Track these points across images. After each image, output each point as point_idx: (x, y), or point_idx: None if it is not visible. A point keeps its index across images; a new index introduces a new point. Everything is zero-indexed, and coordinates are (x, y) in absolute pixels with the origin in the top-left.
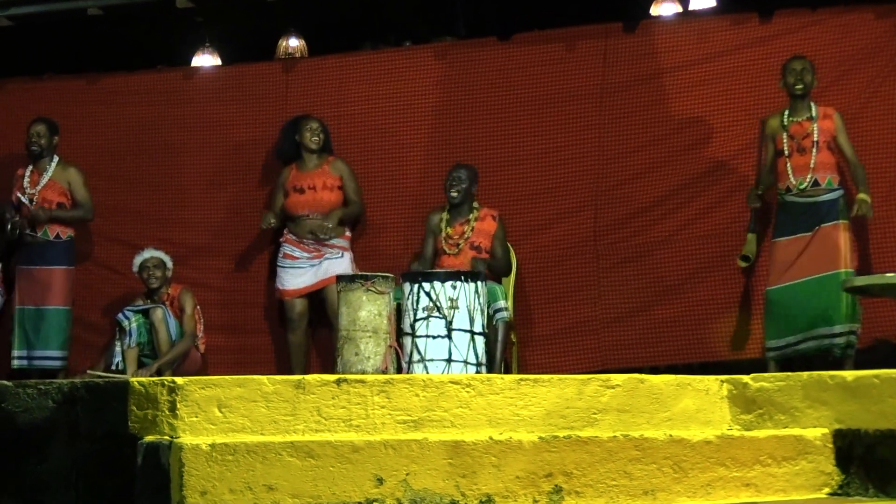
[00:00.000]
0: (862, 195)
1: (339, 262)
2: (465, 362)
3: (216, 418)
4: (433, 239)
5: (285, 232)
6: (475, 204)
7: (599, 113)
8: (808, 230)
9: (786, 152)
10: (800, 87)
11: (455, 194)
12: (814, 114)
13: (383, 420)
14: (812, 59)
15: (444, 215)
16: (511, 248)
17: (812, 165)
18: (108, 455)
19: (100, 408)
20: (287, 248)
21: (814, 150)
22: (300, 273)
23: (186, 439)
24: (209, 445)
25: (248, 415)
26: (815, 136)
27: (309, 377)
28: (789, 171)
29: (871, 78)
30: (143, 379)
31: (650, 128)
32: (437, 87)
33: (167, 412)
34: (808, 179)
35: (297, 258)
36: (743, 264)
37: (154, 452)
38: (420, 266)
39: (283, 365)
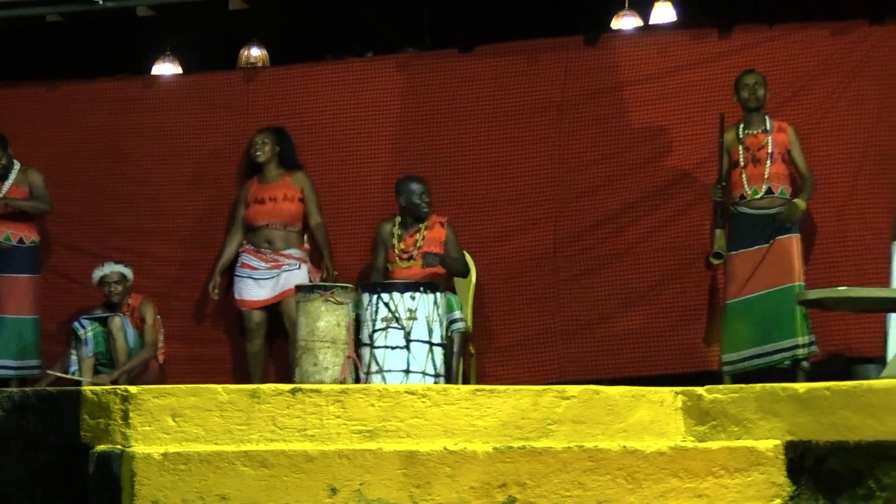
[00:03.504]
0: (799, 200)
1: (297, 274)
2: (424, 373)
3: (169, 427)
4: (385, 249)
5: (244, 242)
6: None
7: (560, 125)
8: (765, 242)
9: (741, 163)
10: (753, 101)
11: (426, 208)
12: (768, 126)
13: (338, 430)
14: (769, 74)
15: (397, 222)
16: (468, 255)
17: (766, 175)
18: (63, 464)
19: (52, 417)
20: (245, 258)
21: (768, 161)
22: (258, 285)
23: (139, 448)
24: (161, 455)
25: (202, 424)
26: (770, 147)
27: (264, 387)
28: (744, 181)
29: (827, 94)
30: (95, 388)
31: (610, 140)
32: (398, 97)
33: (120, 421)
34: (762, 188)
35: (256, 268)
36: (716, 262)
37: (106, 462)
38: (375, 277)
39: (241, 375)
